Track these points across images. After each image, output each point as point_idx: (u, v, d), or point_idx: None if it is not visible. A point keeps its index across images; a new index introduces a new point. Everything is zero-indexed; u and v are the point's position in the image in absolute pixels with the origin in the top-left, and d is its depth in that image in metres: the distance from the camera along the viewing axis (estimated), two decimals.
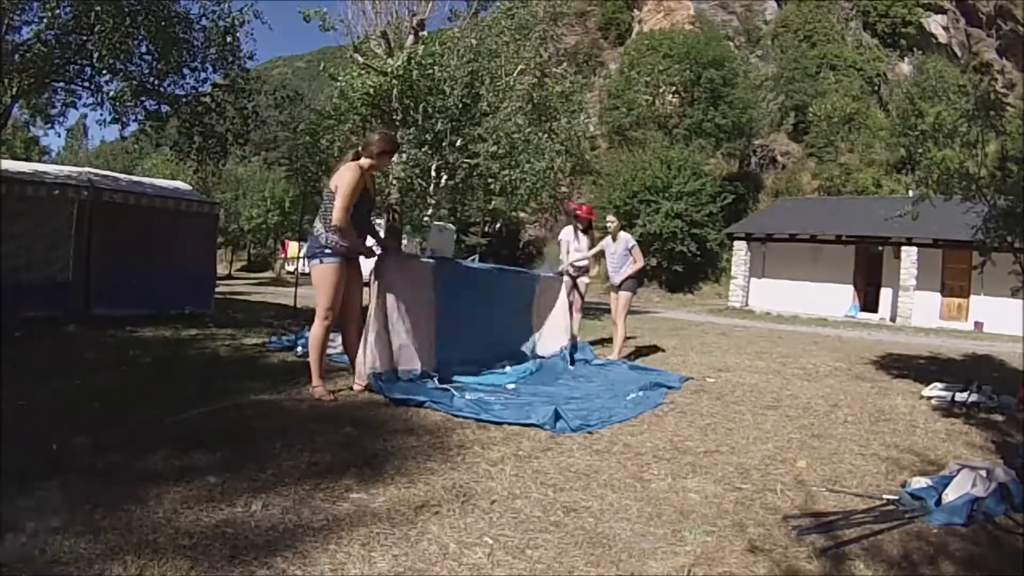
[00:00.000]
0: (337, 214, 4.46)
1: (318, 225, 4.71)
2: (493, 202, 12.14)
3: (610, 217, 8.00)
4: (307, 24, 10.70)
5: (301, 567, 2.21)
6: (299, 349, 6.38)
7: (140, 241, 8.68)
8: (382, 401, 4.58)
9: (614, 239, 7.62)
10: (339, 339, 5.36)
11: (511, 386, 5.55)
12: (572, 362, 6.82)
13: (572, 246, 7.55)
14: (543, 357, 6.71)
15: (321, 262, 4.62)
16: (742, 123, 31.34)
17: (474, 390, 5.06)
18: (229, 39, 10.74)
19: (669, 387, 5.77)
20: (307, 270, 4.47)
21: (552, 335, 7.04)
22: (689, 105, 31.62)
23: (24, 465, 2.88)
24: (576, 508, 2.89)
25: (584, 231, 7.75)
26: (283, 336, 7.33)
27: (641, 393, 5.35)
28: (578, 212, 8.00)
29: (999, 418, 5.19)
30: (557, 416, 4.26)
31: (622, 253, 7.55)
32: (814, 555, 2.51)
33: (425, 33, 11.11)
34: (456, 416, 4.33)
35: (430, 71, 10.23)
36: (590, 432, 4.18)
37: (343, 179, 4.54)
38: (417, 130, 10.40)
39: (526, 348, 6.78)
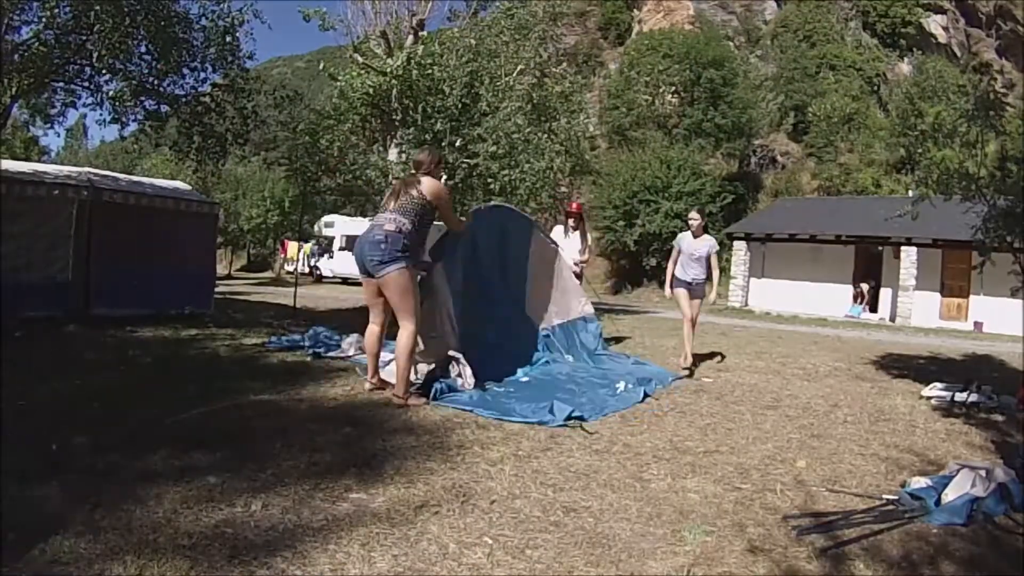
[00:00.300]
0: (455, 224, 5.25)
1: (393, 226, 4.47)
2: (493, 202, 12.13)
3: (692, 214, 7.17)
4: (307, 24, 10.76)
5: (301, 567, 2.21)
6: (308, 349, 6.49)
7: (140, 241, 8.67)
8: (382, 401, 4.59)
9: (695, 236, 6.93)
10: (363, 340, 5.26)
11: (525, 379, 5.63)
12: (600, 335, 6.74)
13: (562, 244, 7.53)
14: (563, 323, 6.66)
15: (405, 266, 4.48)
16: (742, 123, 31.31)
17: (487, 386, 5.13)
18: (229, 39, 10.76)
19: (663, 384, 5.80)
20: (381, 275, 4.34)
21: (566, 299, 6.81)
22: (689, 105, 31.59)
23: (24, 465, 2.88)
24: (576, 508, 2.88)
25: (575, 228, 7.72)
26: (283, 336, 7.33)
27: (631, 386, 5.37)
28: (568, 209, 8.00)
29: (999, 418, 5.19)
30: (551, 411, 4.32)
31: (701, 255, 6.89)
32: (814, 555, 2.51)
33: (425, 33, 11.13)
34: (462, 411, 4.37)
35: (430, 71, 10.24)
36: (581, 421, 4.25)
37: (442, 193, 4.76)
38: (417, 130, 10.41)
39: (544, 323, 6.67)
